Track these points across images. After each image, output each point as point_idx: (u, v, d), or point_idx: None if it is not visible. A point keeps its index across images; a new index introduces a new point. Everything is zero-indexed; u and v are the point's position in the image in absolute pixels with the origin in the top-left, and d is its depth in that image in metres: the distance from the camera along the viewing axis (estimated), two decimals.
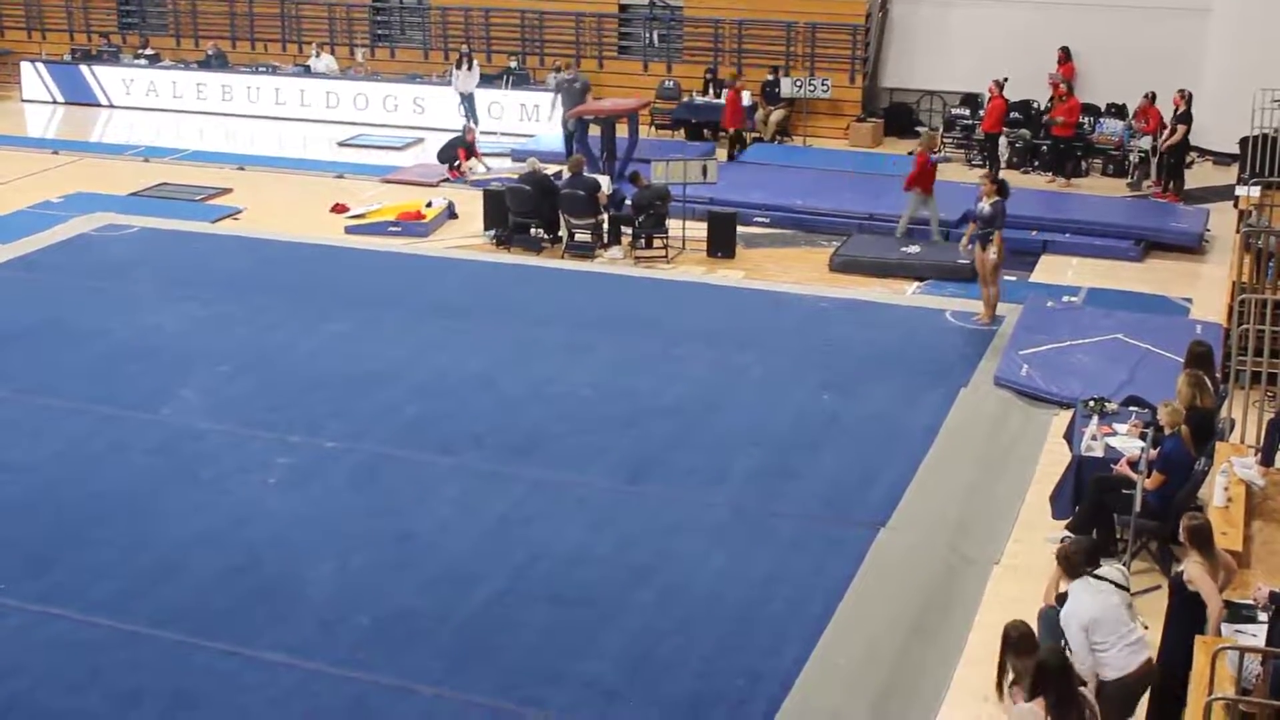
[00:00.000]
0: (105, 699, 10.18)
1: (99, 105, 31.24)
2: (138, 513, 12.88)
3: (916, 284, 19.26)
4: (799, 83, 27.23)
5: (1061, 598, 9.45)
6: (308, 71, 30.31)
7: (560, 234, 20.68)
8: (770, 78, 27.55)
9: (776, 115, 27.33)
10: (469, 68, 27.35)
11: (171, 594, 11.51)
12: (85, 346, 16.72)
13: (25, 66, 32.17)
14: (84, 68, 31.63)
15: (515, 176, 21.74)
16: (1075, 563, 9.35)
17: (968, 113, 26.16)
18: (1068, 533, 11.74)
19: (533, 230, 20.68)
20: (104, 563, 11.98)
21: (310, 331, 17.21)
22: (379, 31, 31.76)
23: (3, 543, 12.30)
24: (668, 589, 11.63)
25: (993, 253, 16.84)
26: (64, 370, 16.00)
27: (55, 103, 31.67)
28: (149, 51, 32.17)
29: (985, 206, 16.98)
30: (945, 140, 26.18)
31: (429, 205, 22.24)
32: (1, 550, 12.15)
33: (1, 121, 29.78)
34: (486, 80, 27.93)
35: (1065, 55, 26.14)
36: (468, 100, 27.22)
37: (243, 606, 11.33)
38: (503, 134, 26.53)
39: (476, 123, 26.41)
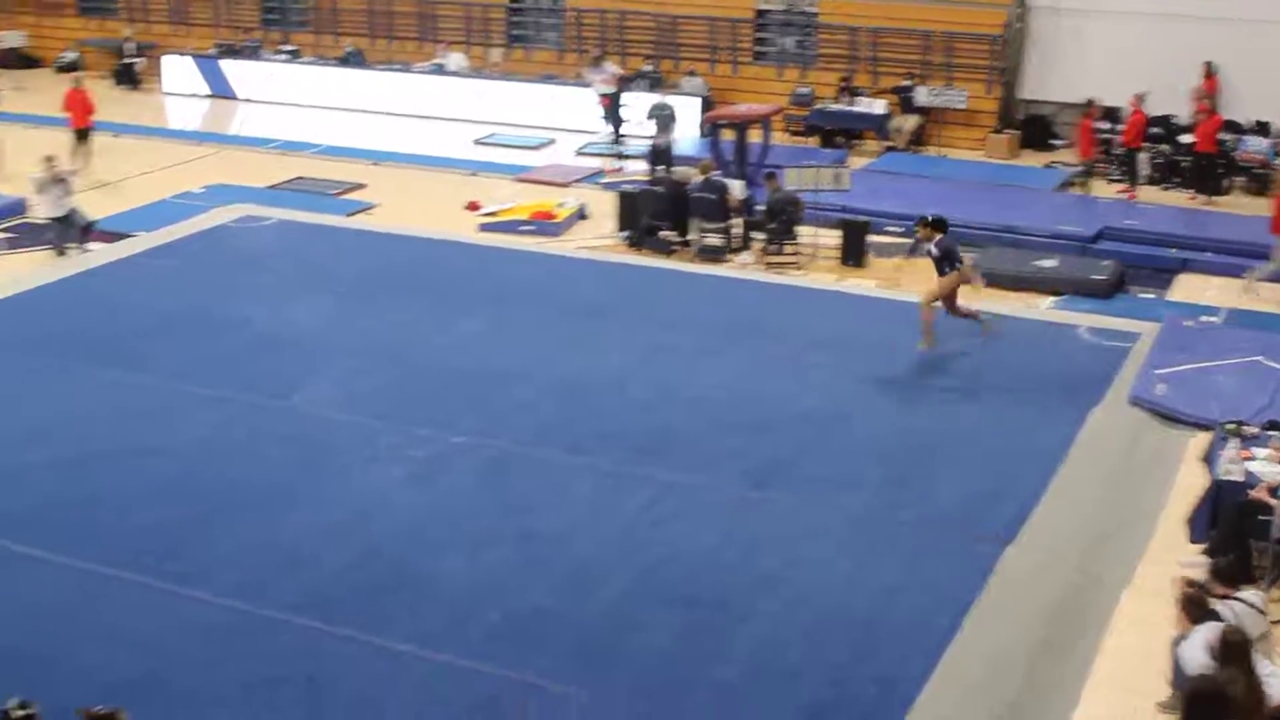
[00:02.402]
0: (236, 681, 10.35)
1: (239, 99, 31.81)
2: (272, 500, 13.09)
3: (1051, 298, 19.02)
4: (936, 92, 27.03)
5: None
6: (443, 70, 30.62)
7: (691, 237, 20.71)
8: (905, 84, 27.36)
9: (911, 124, 27.13)
10: (602, 69, 27.46)
11: (303, 581, 11.68)
12: (223, 335, 17.03)
13: (168, 60, 32.84)
14: (226, 62, 32.24)
15: (649, 178, 21.80)
16: (1197, 608, 9.21)
17: (1107, 126, 25.76)
18: (1204, 557, 11.54)
19: (663, 233, 20.72)
20: (239, 548, 12.20)
21: (442, 327, 17.37)
22: (514, 32, 31.97)
23: (143, 524, 12.56)
24: (795, 596, 11.59)
25: (966, 277, 16.69)
26: (203, 358, 16.31)
27: (197, 96, 32.28)
28: (289, 47, 32.69)
29: (931, 249, 16.67)
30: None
31: (561, 205, 22.38)
32: (141, 532, 12.41)
33: (146, 113, 30.39)
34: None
35: (1208, 70, 25.67)
36: (611, 100, 27.09)
37: (373, 597, 11.47)
38: (636, 136, 26.53)
39: (617, 125, 26.38)
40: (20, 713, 7.86)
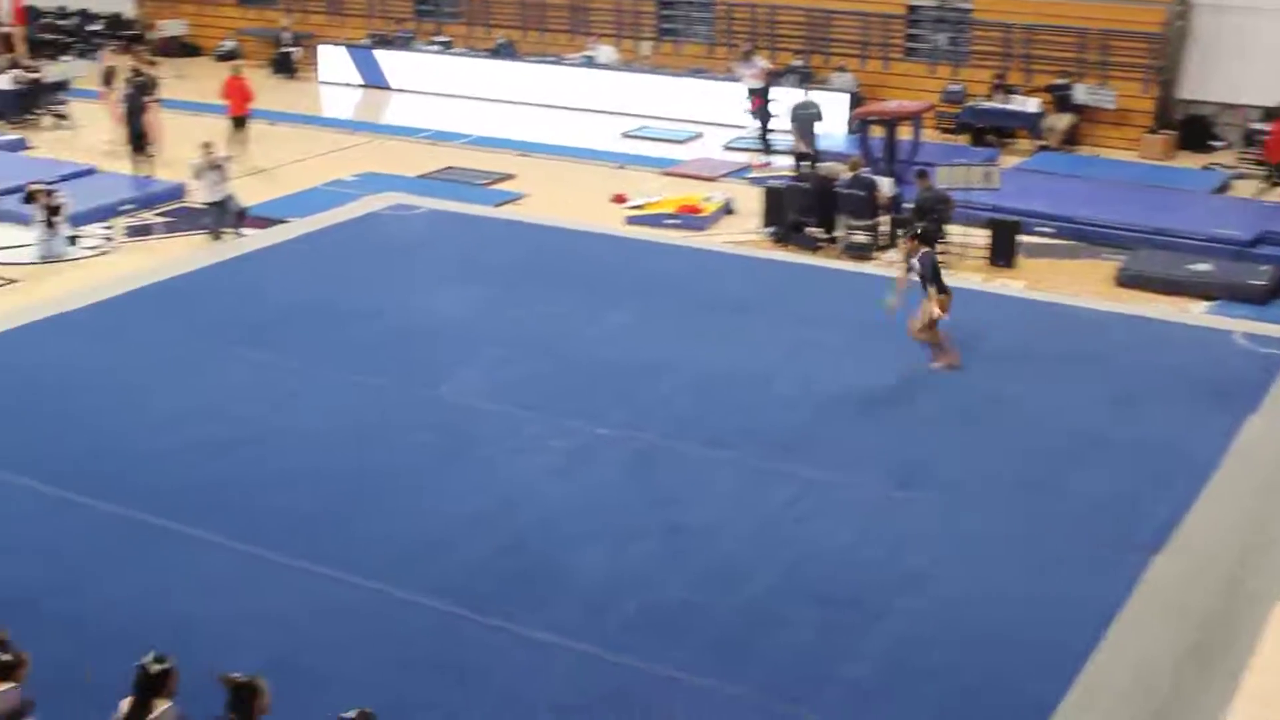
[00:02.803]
0: (373, 664, 10.48)
1: (391, 89, 32.25)
2: (417, 487, 13.25)
3: (1205, 303, 18.62)
4: (1091, 90, 26.59)
5: None
6: (592, 62, 30.77)
7: (837, 234, 20.59)
8: (1060, 82, 26.94)
9: (1064, 123, 26.71)
10: (752, 64, 27.38)
11: (445, 568, 11.81)
12: (372, 322, 17.27)
13: (323, 50, 33.42)
14: (379, 52, 32.71)
15: (797, 174, 21.72)
16: None
17: (1268, 128, 25.12)
18: None
19: (809, 229, 20.63)
20: (381, 533, 12.37)
21: (588, 319, 17.45)
22: (665, 25, 32.01)
23: (289, 506, 12.79)
24: (934, 598, 11.48)
25: (933, 308, 15.63)
26: (352, 344, 16.55)
27: (351, 85, 32.80)
28: (441, 38, 33.07)
29: (914, 263, 15.88)
30: (1243, 156, 25.24)
31: (707, 199, 22.39)
32: (284, 514, 12.64)
33: (301, 101, 30.93)
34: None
35: None
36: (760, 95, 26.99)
37: (513, 585, 11.56)
38: (784, 132, 26.39)
39: (766, 120, 26.27)
40: (157, 667, 8.02)
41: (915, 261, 15.77)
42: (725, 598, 11.42)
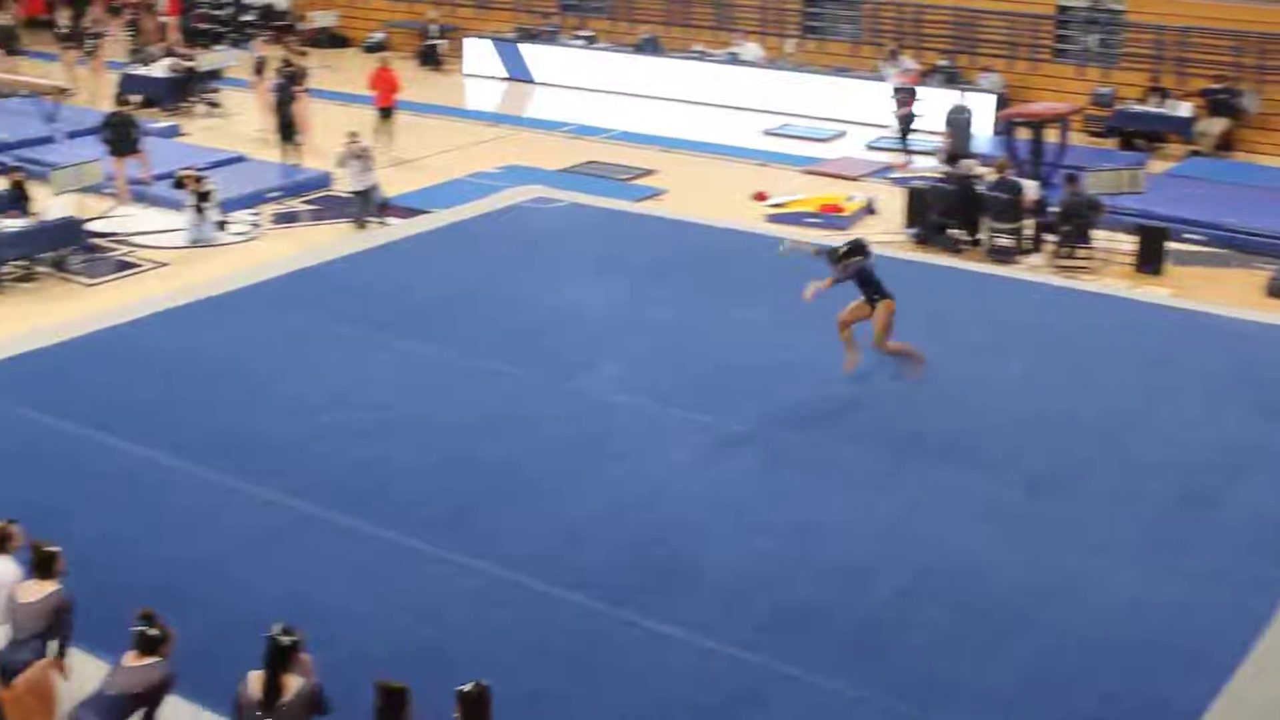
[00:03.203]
0: (509, 653, 10.55)
1: (534, 82, 32.46)
2: (552, 478, 13.32)
3: None
4: (1247, 95, 25.98)
5: None
6: (736, 59, 30.70)
7: (980, 236, 20.32)
8: (1215, 86, 26.34)
9: (1218, 128, 26.11)
10: (898, 63, 27.16)
11: (580, 560, 11.86)
12: (512, 313, 17.39)
13: (469, 42, 33.73)
14: (524, 46, 32.94)
15: (940, 176, 21.48)
16: None
17: None
18: None
19: (952, 231, 20.39)
20: (519, 524, 12.46)
21: (726, 315, 17.41)
22: (809, 23, 31.85)
23: (429, 494, 12.93)
24: (1073, 607, 11.28)
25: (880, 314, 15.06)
26: (492, 334, 16.68)
27: (495, 78, 33.07)
28: (586, 33, 33.21)
29: (839, 275, 15.17)
30: None
31: (849, 199, 22.23)
32: (425, 503, 12.77)
33: (446, 93, 31.26)
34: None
35: None
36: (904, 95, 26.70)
37: (647, 579, 11.58)
38: (929, 132, 26.11)
39: (910, 120, 25.97)
40: (287, 639, 8.13)
41: (839, 274, 15.02)
42: (856, 599, 11.34)
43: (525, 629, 10.90)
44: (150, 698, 8.49)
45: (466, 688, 7.91)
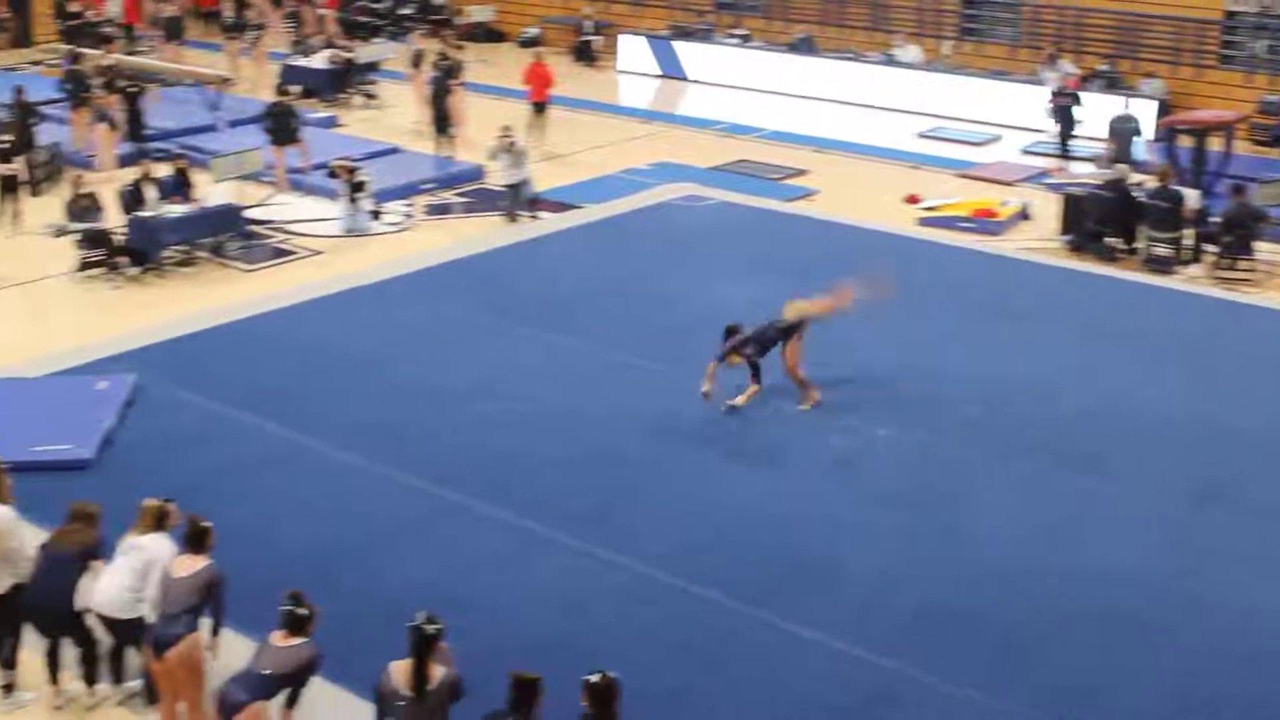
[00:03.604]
0: (644, 648, 10.58)
1: (688, 80, 32.46)
2: (695, 476, 13.32)
3: None
4: None
5: None
6: (891, 60, 30.43)
7: (1138, 245, 19.91)
8: None
9: None
10: (1057, 67, 26.71)
11: (720, 558, 11.84)
12: (658, 309, 17.42)
13: (624, 39, 33.84)
14: (679, 43, 32.96)
15: (1097, 182, 21.09)
16: None
17: None
18: None
19: (1108, 239, 20.00)
20: (660, 520, 12.48)
21: (874, 318, 17.19)
22: (967, 25, 31.47)
23: (572, 489, 13.01)
24: (1225, 624, 11.02)
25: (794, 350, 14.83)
26: (639, 330, 16.73)
27: (649, 75, 33.13)
28: (741, 31, 33.14)
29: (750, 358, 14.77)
30: None
31: (1004, 204, 21.91)
32: (570, 496, 12.86)
33: (600, 90, 31.38)
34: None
35: None
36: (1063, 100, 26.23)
37: (787, 580, 11.53)
38: (1087, 138, 25.63)
39: (1068, 125, 25.48)
40: (432, 627, 8.18)
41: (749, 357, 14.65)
42: (1000, 607, 11.18)
43: (665, 626, 10.91)
44: (297, 677, 8.62)
45: (594, 678, 7.92)
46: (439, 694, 8.13)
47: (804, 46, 31.88)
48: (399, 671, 8.18)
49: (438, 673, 8.16)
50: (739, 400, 14.48)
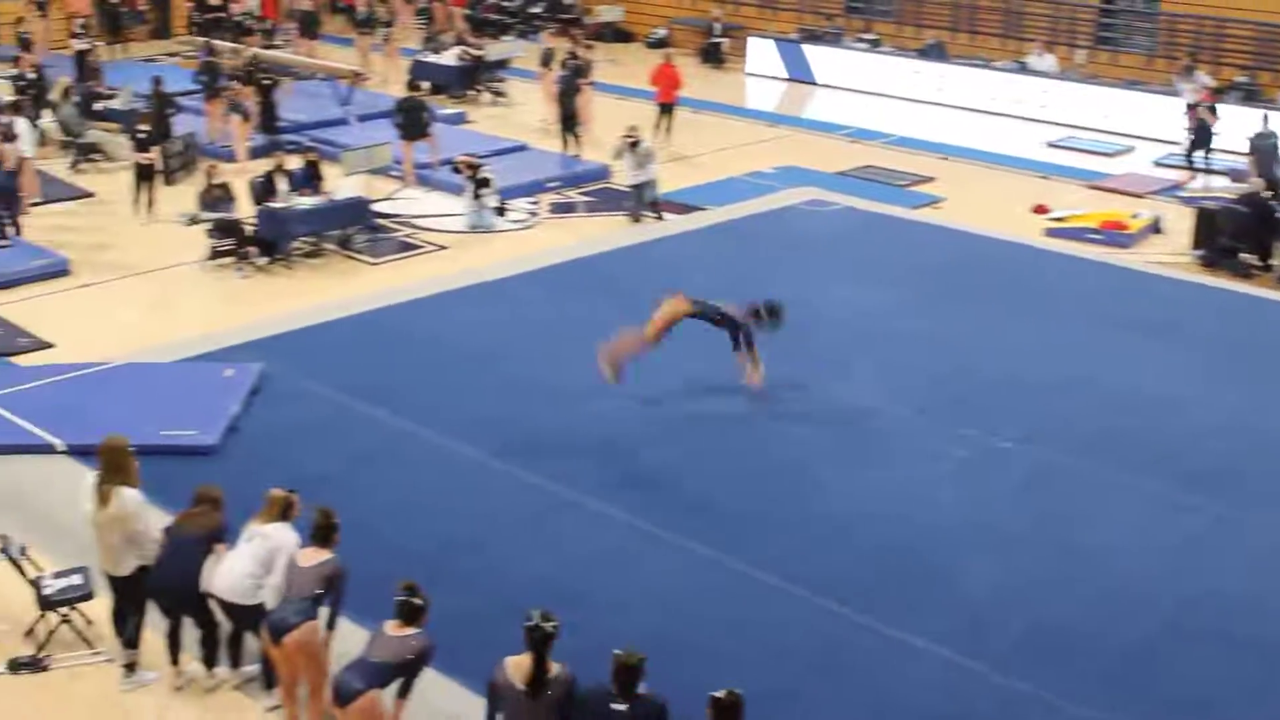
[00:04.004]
0: (750, 649, 10.57)
1: (816, 84, 32.33)
2: (806, 480, 13.28)
3: None
4: None
5: None
6: (1023, 68, 30.06)
7: (1274, 262, 19.48)
8: None
9: None
10: (1193, 79, 26.22)
11: (829, 563, 11.81)
12: None
13: (753, 42, 33.78)
14: (807, 47, 32.83)
15: (1232, 196, 20.68)
16: None
17: None
18: None
19: (1243, 255, 19.61)
20: (769, 522, 12.45)
21: (997, 328, 17.08)
22: (1102, 34, 31.00)
23: (684, 488, 13.05)
24: None
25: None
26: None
27: (776, 78, 33.04)
28: (870, 36, 32.94)
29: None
30: None
31: (1135, 216, 21.56)
32: (682, 496, 12.90)
33: (727, 92, 31.34)
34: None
35: None
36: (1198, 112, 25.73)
37: (897, 589, 11.45)
38: (1222, 151, 25.13)
39: (1204, 138, 24.98)
40: (550, 624, 8.20)
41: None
42: (1117, 628, 11.00)
43: (770, 628, 10.89)
44: (410, 667, 8.72)
45: (720, 694, 7.91)
46: (555, 692, 8.17)
47: (934, 52, 31.61)
48: (514, 667, 8.23)
49: (554, 670, 8.20)
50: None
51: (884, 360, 15.99)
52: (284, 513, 9.83)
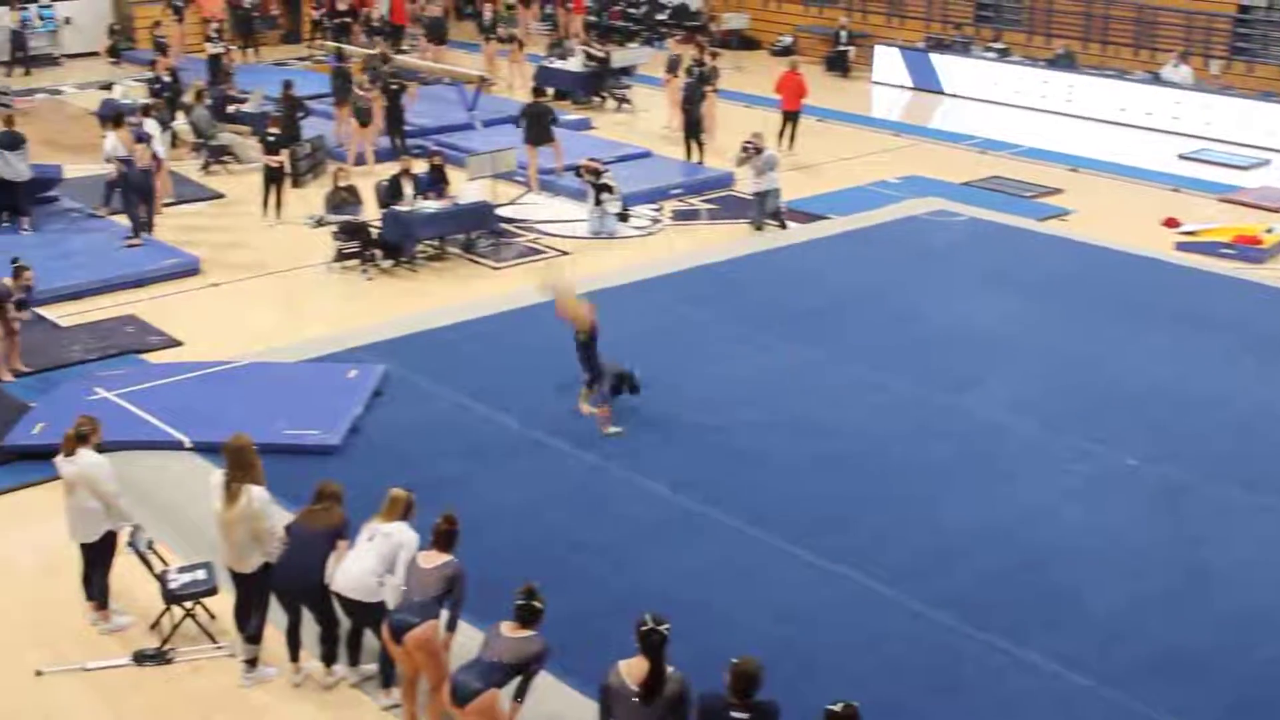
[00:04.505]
0: (875, 663, 10.47)
1: (943, 93, 32.02)
2: (929, 493, 13.11)
3: None
4: None
5: None
6: (1156, 79, 29.53)
7: None
8: None
9: None
10: None
11: (952, 580, 11.63)
12: (902, 325, 17.20)
13: (879, 50, 33.54)
14: (935, 56, 32.53)
15: None
16: None
17: None
18: None
19: None
20: (893, 536, 12.32)
21: (1126, 344, 16.75)
22: (1239, 44, 30.35)
23: (806, 499, 12.91)
24: None
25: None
26: (879, 344, 16.54)
27: (902, 87, 32.78)
28: (999, 45, 32.55)
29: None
30: None
31: (1269, 231, 21.07)
32: (803, 506, 12.77)
33: (852, 100, 31.14)
34: None
35: None
36: None
37: (1020, 607, 11.26)
38: None
39: None
40: (664, 628, 8.16)
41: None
42: (1244, 650, 10.75)
43: (888, 641, 10.78)
44: (526, 668, 8.73)
45: (836, 707, 7.83)
46: (669, 696, 8.14)
47: (1064, 62, 31.15)
48: (627, 670, 8.21)
49: (669, 675, 8.17)
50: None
51: (1010, 374, 15.77)
52: (406, 512, 9.90)
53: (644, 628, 8.16)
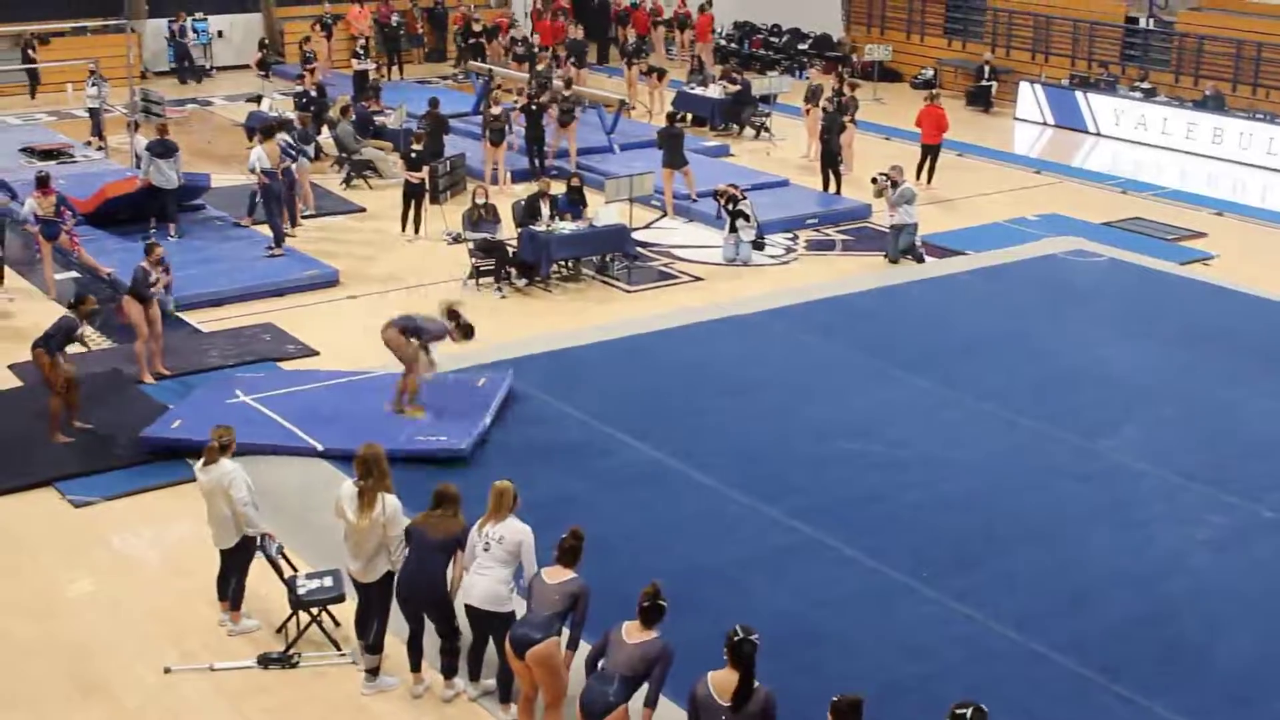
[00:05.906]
0: (998, 707, 10.24)
1: (1086, 132, 31.60)
2: (1061, 537, 12.89)
3: None
4: None
5: None
6: None
7: None
8: None
9: None
10: None
11: (1081, 626, 11.41)
12: (1035, 364, 16.98)
13: (1024, 87, 33.19)
14: (1079, 94, 32.12)
15: None
16: None
17: None
18: None
19: None
20: (1021, 578, 12.13)
21: (1267, 393, 16.36)
22: None
23: (935, 534, 12.78)
24: None
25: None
26: (1014, 382, 16.33)
27: (1045, 124, 32.41)
28: (1145, 85, 32.05)
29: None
30: None
31: None
32: (933, 541, 12.64)
33: (993, 136, 30.85)
34: None
35: None
36: None
37: (1151, 658, 11.03)
38: None
39: None
40: (755, 637, 8.16)
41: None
42: None
43: (1011, 684, 10.58)
44: (653, 672, 8.72)
45: (965, 711, 7.77)
46: (756, 709, 8.10)
47: (1213, 104, 30.59)
48: (717, 681, 8.21)
49: (756, 688, 8.13)
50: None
51: (1146, 419, 15.48)
52: (513, 504, 9.96)
53: (736, 638, 8.17)
